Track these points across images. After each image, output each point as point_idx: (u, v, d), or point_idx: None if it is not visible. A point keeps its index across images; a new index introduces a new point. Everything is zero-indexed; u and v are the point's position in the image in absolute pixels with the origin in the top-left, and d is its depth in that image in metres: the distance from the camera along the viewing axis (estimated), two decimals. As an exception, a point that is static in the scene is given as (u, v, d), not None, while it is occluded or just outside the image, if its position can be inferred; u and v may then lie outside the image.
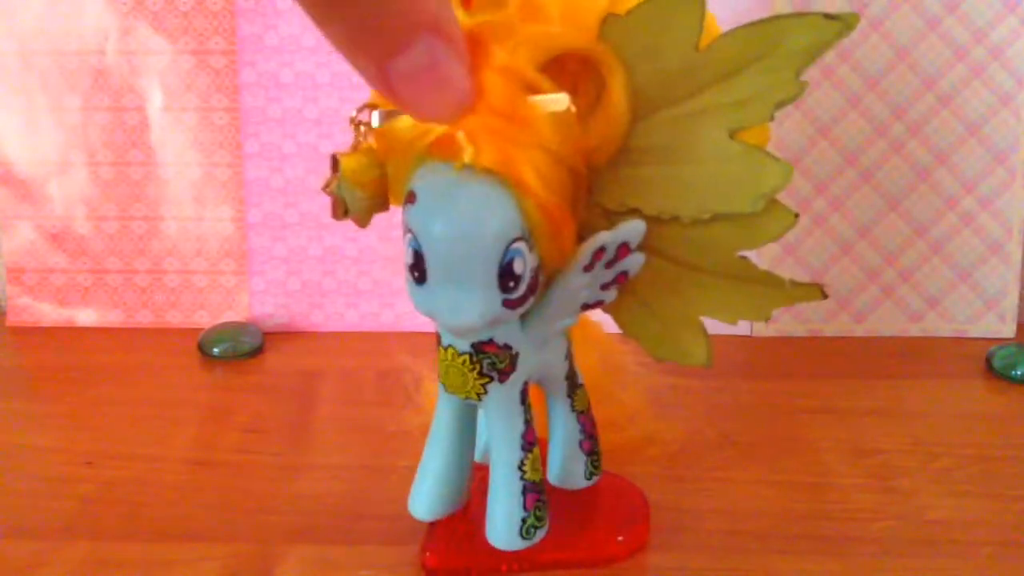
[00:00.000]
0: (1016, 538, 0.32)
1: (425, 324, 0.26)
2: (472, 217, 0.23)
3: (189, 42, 0.49)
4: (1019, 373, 0.44)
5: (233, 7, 0.48)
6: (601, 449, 0.32)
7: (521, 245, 0.24)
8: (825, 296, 0.25)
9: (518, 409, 0.28)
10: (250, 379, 0.45)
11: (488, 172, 0.23)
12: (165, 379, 0.45)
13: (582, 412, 0.31)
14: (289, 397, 0.43)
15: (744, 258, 0.25)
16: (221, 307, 0.51)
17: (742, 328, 0.50)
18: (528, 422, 0.28)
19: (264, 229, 0.50)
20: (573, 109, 0.24)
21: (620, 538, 0.30)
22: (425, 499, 0.30)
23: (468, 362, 0.27)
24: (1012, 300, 0.49)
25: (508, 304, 0.24)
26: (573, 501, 0.31)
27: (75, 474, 0.36)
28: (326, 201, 0.26)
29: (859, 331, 0.50)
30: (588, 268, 0.25)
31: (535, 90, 0.23)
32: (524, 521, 0.28)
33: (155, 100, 0.49)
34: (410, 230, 0.24)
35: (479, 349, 0.26)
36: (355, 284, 0.50)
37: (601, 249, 0.25)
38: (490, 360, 0.27)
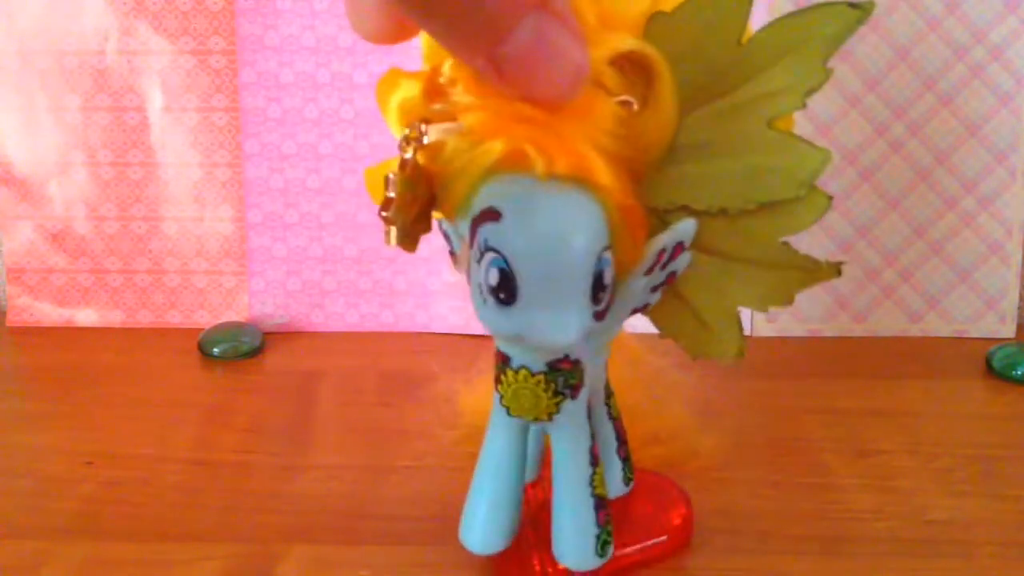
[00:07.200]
0: (1016, 538, 0.32)
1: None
2: (566, 230, 0.22)
3: (189, 42, 0.49)
4: (1019, 373, 0.44)
5: (233, 7, 0.48)
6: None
7: (608, 254, 0.23)
8: (839, 274, 0.25)
9: (585, 424, 0.27)
10: (250, 379, 0.45)
11: (573, 180, 0.22)
12: (165, 379, 0.45)
13: (616, 419, 0.31)
14: (289, 397, 0.43)
15: (786, 244, 0.25)
16: (221, 307, 0.51)
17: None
18: (593, 436, 0.27)
19: (264, 229, 0.50)
20: (636, 108, 0.24)
21: (664, 537, 0.30)
22: (480, 530, 0.28)
23: (543, 382, 0.25)
24: (1012, 300, 0.49)
25: (597, 316, 0.24)
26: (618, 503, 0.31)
27: (75, 474, 0.36)
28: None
29: (859, 331, 0.50)
30: (649, 271, 0.25)
31: (606, 90, 0.23)
32: (598, 538, 0.27)
33: (155, 100, 0.49)
34: (493, 249, 0.23)
35: (554, 367, 0.25)
36: (355, 284, 0.50)
37: (662, 251, 0.25)
38: (564, 377, 0.25)
